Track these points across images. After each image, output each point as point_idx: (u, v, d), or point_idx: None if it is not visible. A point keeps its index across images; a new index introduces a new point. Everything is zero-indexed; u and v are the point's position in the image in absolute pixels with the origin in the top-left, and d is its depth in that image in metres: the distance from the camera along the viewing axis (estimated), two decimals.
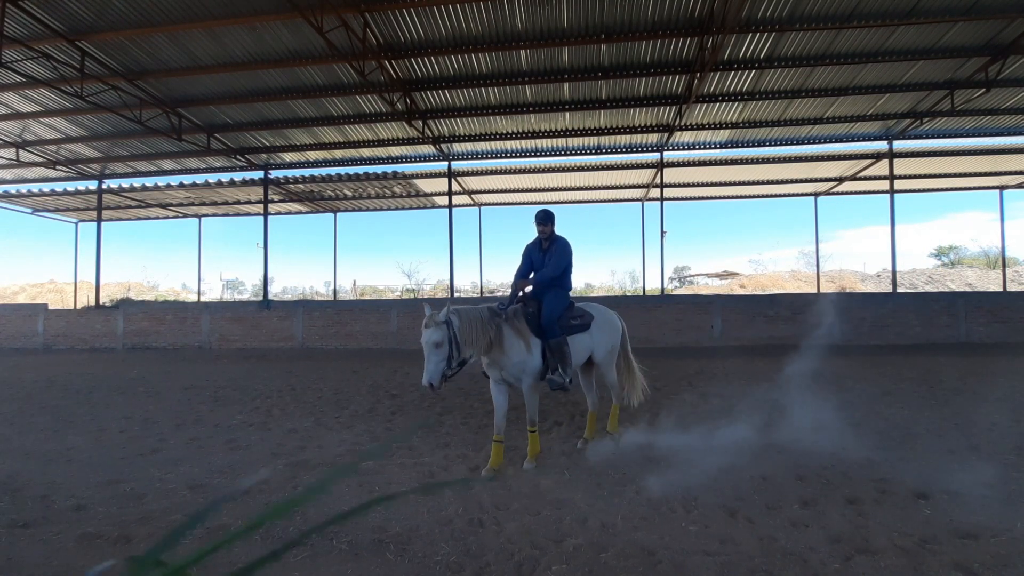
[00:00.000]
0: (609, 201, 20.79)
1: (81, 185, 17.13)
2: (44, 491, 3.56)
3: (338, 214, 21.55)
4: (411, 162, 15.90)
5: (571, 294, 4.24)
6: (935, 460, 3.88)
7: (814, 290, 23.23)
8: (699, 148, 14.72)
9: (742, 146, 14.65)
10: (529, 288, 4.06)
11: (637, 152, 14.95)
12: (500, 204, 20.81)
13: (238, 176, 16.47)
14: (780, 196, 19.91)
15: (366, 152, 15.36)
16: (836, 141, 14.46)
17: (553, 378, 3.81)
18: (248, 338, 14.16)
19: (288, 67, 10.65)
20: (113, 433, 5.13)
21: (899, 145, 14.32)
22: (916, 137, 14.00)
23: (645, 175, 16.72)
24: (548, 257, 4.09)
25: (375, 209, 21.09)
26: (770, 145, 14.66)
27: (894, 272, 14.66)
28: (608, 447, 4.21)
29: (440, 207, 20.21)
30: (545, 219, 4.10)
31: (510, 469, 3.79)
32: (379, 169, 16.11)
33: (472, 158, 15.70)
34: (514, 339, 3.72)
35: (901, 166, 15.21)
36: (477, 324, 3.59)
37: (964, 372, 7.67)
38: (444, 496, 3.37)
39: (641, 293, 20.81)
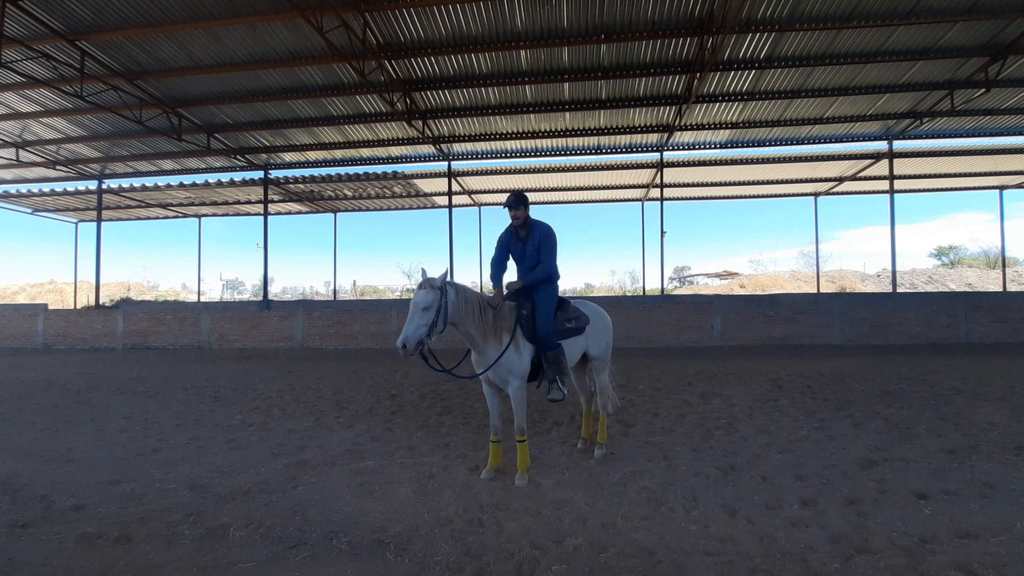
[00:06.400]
0: (609, 201, 20.79)
1: (81, 185, 17.15)
2: (44, 491, 3.56)
3: (338, 214, 21.56)
4: (411, 162, 15.91)
5: (569, 295, 4.08)
6: (935, 460, 3.87)
7: (814, 290, 23.23)
8: (699, 148, 14.73)
9: (742, 146, 14.66)
10: (517, 287, 3.79)
11: (637, 152, 14.96)
12: (500, 204, 20.70)
13: (238, 176, 16.48)
14: (780, 196, 19.92)
15: (366, 152, 15.36)
16: (836, 141, 14.47)
17: (552, 395, 3.66)
18: (248, 338, 14.16)
19: (288, 67, 10.65)
20: (113, 433, 5.12)
21: (899, 145, 14.33)
22: (916, 137, 14.01)
23: (645, 175, 16.73)
24: (531, 248, 3.81)
25: (375, 209, 21.10)
26: (770, 145, 14.67)
27: (894, 272, 14.67)
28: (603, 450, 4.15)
29: (440, 207, 20.21)
30: (517, 203, 3.75)
31: (509, 468, 3.78)
32: (379, 169, 16.12)
33: (472, 158, 15.71)
34: (505, 337, 3.56)
35: (901, 166, 15.22)
36: (472, 307, 3.45)
37: (964, 372, 7.67)
38: (444, 496, 3.37)
39: (641, 293, 20.81)
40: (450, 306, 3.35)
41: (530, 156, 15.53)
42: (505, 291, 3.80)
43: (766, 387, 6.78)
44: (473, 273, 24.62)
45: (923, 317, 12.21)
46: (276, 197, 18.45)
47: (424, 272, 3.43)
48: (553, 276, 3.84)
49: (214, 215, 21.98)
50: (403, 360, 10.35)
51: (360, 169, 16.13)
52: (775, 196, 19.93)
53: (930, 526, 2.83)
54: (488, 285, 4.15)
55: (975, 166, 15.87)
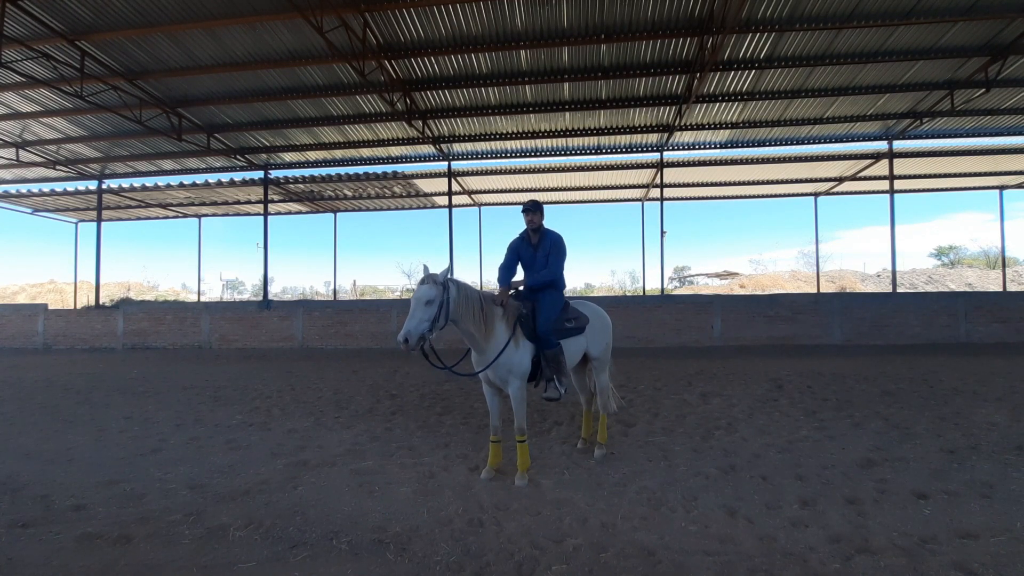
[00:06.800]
0: (609, 201, 20.80)
1: (81, 185, 17.15)
2: (44, 491, 3.56)
3: (338, 214, 21.56)
4: (411, 162, 15.91)
5: (569, 294, 4.09)
6: (935, 460, 3.87)
7: (814, 290, 23.22)
8: (699, 148, 14.73)
9: (742, 146, 14.66)
10: (522, 287, 3.87)
11: (637, 152, 14.96)
12: (500, 204, 20.82)
13: (238, 176, 16.49)
14: (780, 196, 19.93)
15: (366, 152, 15.37)
16: (836, 141, 14.47)
17: (548, 394, 3.67)
18: (248, 338, 14.16)
19: (288, 67, 10.65)
20: (113, 433, 5.12)
21: (899, 145, 14.33)
22: (916, 137, 14.01)
23: (645, 175, 16.73)
24: (541, 254, 3.88)
25: (375, 209, 21.10)
26: (770, 145, 14.67)
27: (894, 272, 14.67)
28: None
29: (440, 207, 20.22)
30: (535, 208, 3.90)
31: (509, 468, 3.78)
32: (379, 169, 16.13)
33: (472, 158, 15.71)
34: (505, 336, 3.57)
35: (901, 166, 15.22)
36: (473, 304, 3.46)
37: (964, 372, 7.67)
38: (444, 496, 3.37)
39: (641, 293, 20.81)
40: (451, 302, 3.35)
41: (530, 156, 15.53)
42: (510, 291, 3.82)
43: (766, 387, 6.78)
44: (473, 273, 24.67)
45: (923, 317, 12.22)
46: (276, 197, 18.45)
47: (426, 268, 3.44)
48: (558, 281, 3.88)
49: (214, 215, 21.98)
50: (404, 358, 10.38)
51: (360, 169, 16.13)
52: (775, 196, 19.94)
53: (930, 526, 2.83)
54: (488, 285, 4.17)
55: (975, 166, 15.87)
